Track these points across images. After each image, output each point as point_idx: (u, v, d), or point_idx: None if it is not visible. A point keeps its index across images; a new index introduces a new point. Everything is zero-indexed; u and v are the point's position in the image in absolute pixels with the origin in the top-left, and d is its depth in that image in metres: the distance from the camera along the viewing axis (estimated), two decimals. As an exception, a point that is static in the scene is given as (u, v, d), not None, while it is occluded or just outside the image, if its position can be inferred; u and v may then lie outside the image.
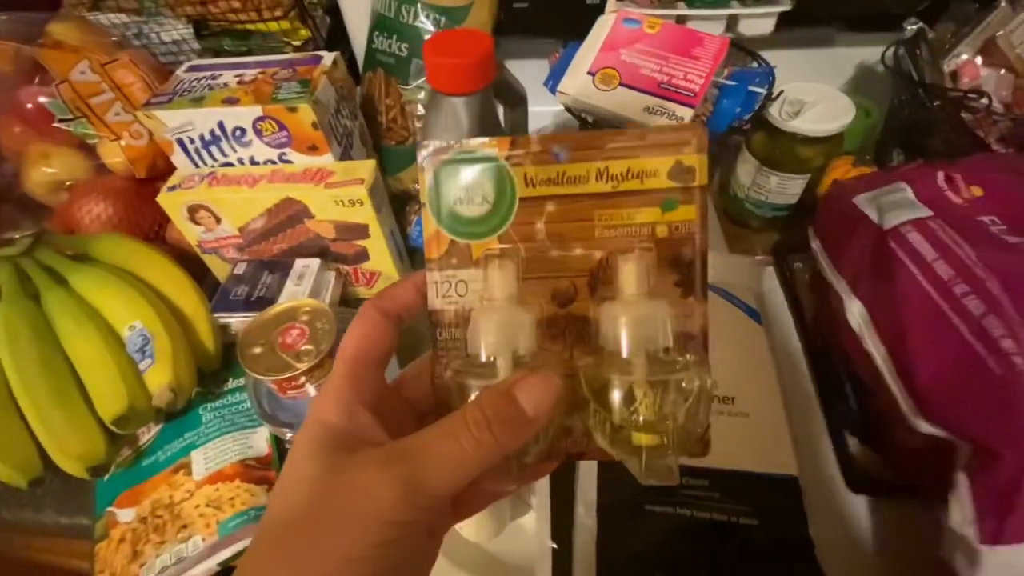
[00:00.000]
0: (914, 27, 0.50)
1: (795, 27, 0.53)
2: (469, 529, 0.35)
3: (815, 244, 0.42)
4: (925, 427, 0.30)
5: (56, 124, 0.49)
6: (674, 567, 0.30)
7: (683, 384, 0.18)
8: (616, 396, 0.18)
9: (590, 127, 0.47)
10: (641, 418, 0.17)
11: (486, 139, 0.18)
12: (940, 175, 0.36)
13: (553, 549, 0.31)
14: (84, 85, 0.49)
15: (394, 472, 0.16)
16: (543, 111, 0.61)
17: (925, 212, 0.34)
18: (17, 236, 0.45)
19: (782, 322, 0.46)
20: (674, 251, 0.18)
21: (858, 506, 0.36)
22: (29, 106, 0.49)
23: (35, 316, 0.41)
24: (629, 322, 0.18)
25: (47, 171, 0.51)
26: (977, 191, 0.34)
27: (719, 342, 0.21)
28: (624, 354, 0.18)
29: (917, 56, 0.50)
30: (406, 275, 0.21)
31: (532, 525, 0.37)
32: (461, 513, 0.21)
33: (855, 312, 0.35)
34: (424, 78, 0.54)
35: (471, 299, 0.19)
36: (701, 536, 0.31)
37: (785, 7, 0.50)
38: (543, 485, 0.34)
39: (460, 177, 0.19)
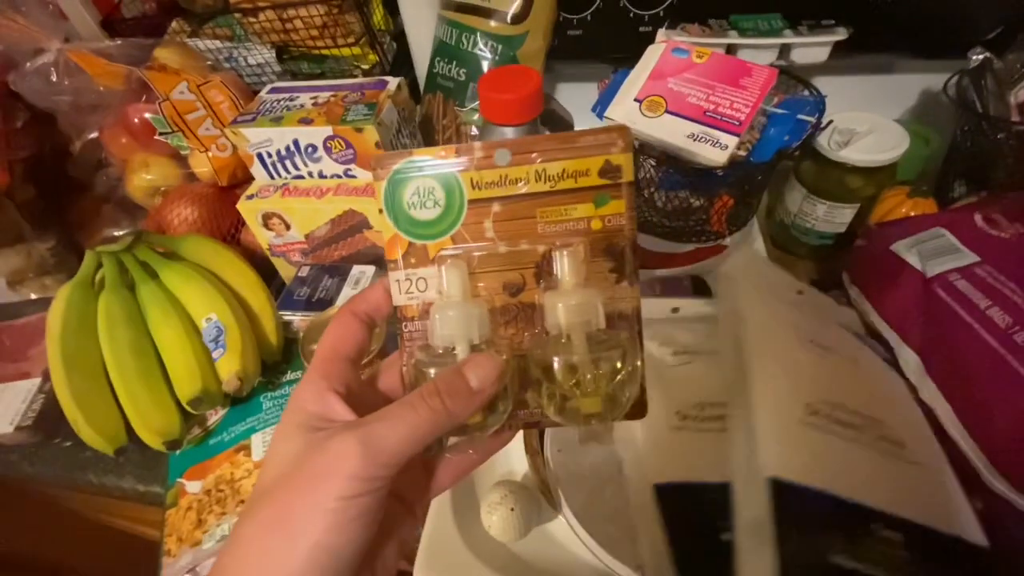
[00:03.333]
0: (980, 57, 0.48)
1: (852, 54, 0.53)
2: (496, 529, 0.37)
3: (853, 291, 0.41)
4: (1002, 488, 0.28)
5: (157, 137, 0.55)
6: None
7: (615, 358, 0.20)
8: (560, 372, 0.20)
9: (635, 151, 0.48)
10: (583, 389, 0.20)
11: (434, 148, 0.20)
12: (978, 217, 0.35)
13: None
14: (182, 103, 0.55)
15: (356, 434, 0.18)
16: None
17: (972, 258, 0.34)
18: (120, 234, 0.51)
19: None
20: (608, 241, 0.21)
21: None
22: (136, 120, 0.56)
23: (130, 305, 0.47)
24: (566, 308, 0.20)
25: (146, 177, 0.57)
26: (1022, 227, 0.33)
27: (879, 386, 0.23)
28: (564, 336, 0.20)
29: (982, 86, 0.48)
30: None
31: (558, 531, 0.38)
32: (436, 486, 0.24)
33: (909, 362, 0.35)
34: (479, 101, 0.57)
35: (431, 294, 0.21)
36: None
37: (840, 37, 0.50)
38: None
39: (412, 184, 0.21)
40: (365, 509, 0.18)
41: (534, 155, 0.20)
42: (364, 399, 0.21)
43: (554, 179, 0.20)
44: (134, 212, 0.65)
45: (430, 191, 0.21)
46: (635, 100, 0.46)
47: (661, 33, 0.50)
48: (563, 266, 0.20)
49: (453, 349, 0.20)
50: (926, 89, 0.59)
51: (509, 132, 0.30)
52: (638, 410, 0.21)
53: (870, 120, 0.46)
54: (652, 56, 0.47)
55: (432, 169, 0.21)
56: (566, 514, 0.37)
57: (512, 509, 0.36)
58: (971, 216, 0.35)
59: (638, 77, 0.47)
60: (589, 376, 0.20)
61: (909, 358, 0.34)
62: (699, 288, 0.50)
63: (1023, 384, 0.27)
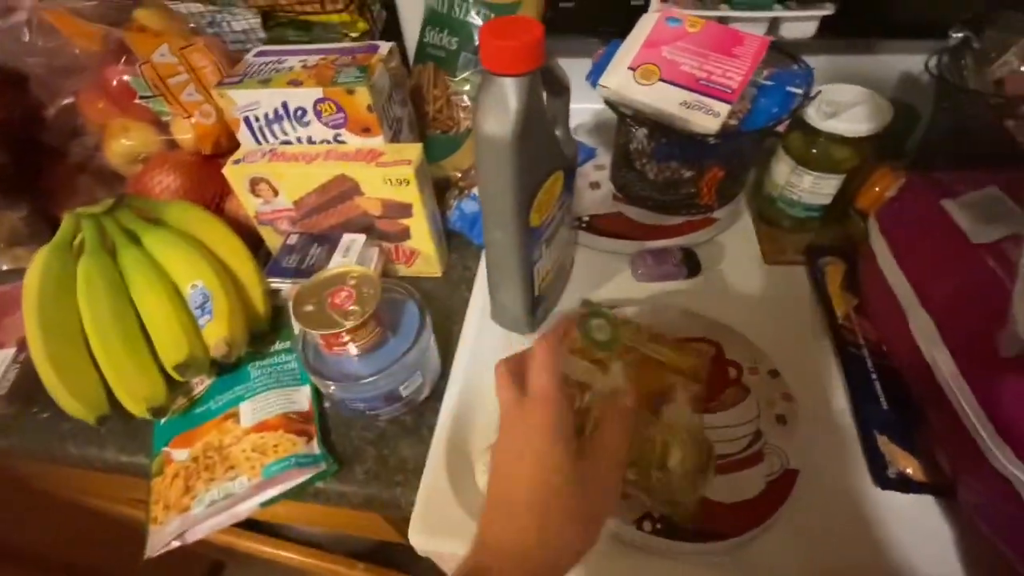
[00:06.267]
0: (960, 35, 0.50)
1: (838, 33, 0.54)
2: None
3: (879, 243, 0.41)
4: (1003, 461, 0.28)
5: (137, 101, 0.54)
6: None
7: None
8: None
9: (628, 121, 0.49)
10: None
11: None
12: None
13: None
14: (164, 66, 0.53)
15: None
16: (585, 108, 0.63)
17: None
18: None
19: (806, 324, 0.47)
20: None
21: (881, 501, 0.36)
22: (114, 83, 0.54)
23: (111, 270, 0.45)
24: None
25: (125, 143, 0.56)
26: None
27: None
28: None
29: (961, 64, 0.50)
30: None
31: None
32: None
33: (920, 324, 0.34)
34: (471, 71, 0.56)
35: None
36: None
37: (828, 11, 0.51)
38: None
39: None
40: None
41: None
42: None
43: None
44: (111, 182, 0.62)
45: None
46: (629, 68, 0.46)
47: (655, 3, 0.50)
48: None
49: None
50: (907, 68, 0.61)
51: (509, 83, 0.30)
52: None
53: (856, 92, 0.47)
54: (646, 25, 0.47)
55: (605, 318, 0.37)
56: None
57: (507, 468, 0.36)
58: None
59: (632, 46, 0.47)
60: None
61: (922, 321, 0.34)
62: (689, 259, 0.51)
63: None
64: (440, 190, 0.58)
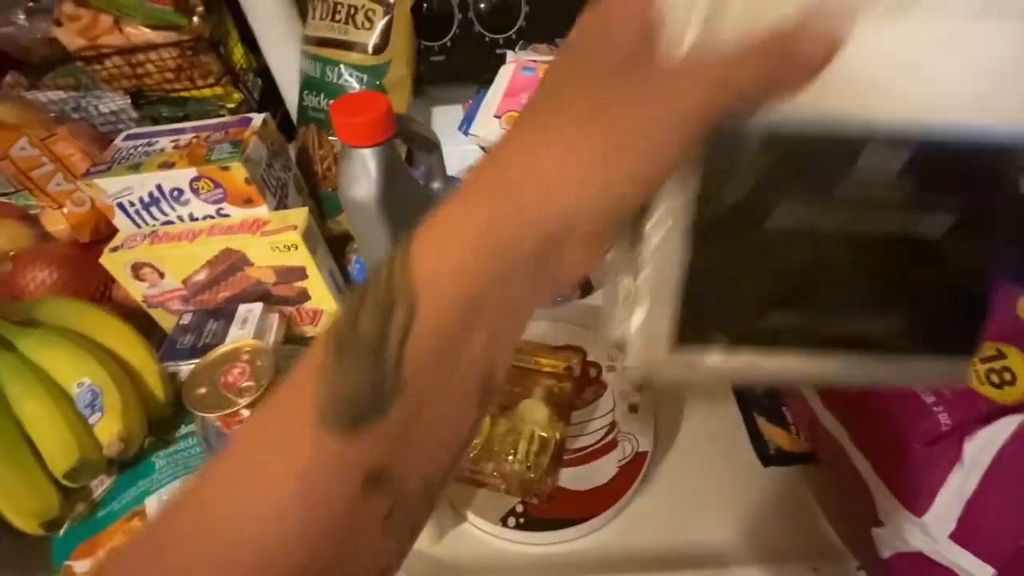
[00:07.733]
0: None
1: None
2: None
3: None
4: (823, 421, 0.33)
5: (-2, 199, 0.51)
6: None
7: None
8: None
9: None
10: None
11: None
12: None
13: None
14: (24, 160, 0.51)
15: None
16: (469, 150, 0.66)
17: None
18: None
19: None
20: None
21: (768, 476, 0.40)
22: (-31, 183, 0.51)
23: (-18, 382, 0.42)
24: None
25: (-10, 243, 0.53)
26: None
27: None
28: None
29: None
30: None
31: (470, 531, 0.40)
32: None
33: None
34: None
35: None
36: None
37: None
38: None
39: None
40: None
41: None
42: None
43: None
44: (-19, 284, 0.58)
45: None
46: (495, 116, 0.50)
47: (511, 55, 0.55)
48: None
49: None
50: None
51: (366, 153, 0.32)
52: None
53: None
54: (505, 76, 0.51)
55: None
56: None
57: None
58: None
59: (495, 96, 0.51)
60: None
61: None
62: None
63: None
64: (341, 244, 0.59)
